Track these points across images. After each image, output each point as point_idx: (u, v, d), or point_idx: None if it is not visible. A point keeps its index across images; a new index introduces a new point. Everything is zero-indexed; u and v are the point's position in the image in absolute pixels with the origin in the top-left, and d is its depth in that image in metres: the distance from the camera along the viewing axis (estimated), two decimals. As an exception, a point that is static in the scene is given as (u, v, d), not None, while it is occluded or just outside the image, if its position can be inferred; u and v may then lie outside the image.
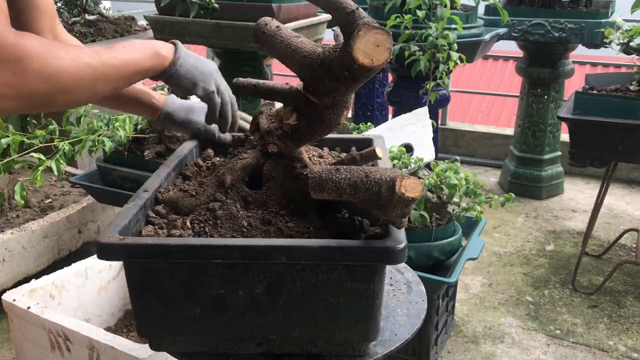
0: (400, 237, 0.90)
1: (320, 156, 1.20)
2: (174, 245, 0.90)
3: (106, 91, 0.99)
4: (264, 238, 0.97)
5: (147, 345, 1.65)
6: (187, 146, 1.27)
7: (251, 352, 0.99)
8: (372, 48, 0.84)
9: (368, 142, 1.29)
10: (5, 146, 2.01)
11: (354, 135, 1.35)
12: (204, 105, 1.22)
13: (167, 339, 1.00)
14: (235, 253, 0.89)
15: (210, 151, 1.25)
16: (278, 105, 1.18)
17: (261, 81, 1.11)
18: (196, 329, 0.96)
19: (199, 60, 1.16)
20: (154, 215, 1.04)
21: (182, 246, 0.90)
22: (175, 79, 1.12)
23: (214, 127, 1.28)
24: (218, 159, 1.23)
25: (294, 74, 1.00)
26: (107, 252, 0.90)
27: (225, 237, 0.97)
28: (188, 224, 1.00)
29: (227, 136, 1.30)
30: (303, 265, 0.90)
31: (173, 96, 1.34)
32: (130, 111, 1.40)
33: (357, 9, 0.86)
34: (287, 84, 1.08)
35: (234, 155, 1.15)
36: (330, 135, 1.12)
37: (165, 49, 1.11)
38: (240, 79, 1.13)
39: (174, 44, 1.14)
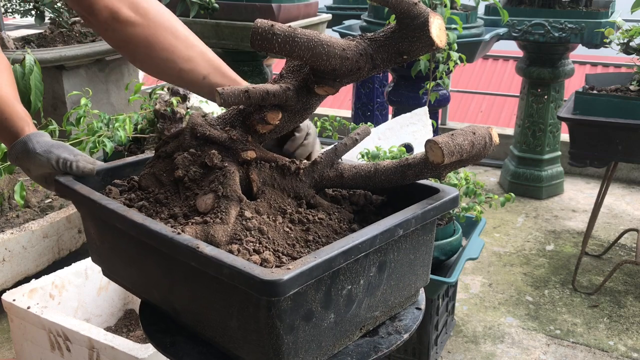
0: (446, 186, 1.06)
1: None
2: (337, 254, 0.85)
3: None
4: (374, 223, 0.96)
5: (147, 345, 1.65)
6: (88, 191, 1.11)
7: (355, 339, 1.00)
8: (439, 31, 0.97)
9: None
10: (6, 150, 2.01)
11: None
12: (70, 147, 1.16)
13: None
14: (376, 240, 0.91)
15: (115, 189, 1.13)
16: (206, 108, 1.14)
17: (250, 86, 1.01)
18: (328, 337, 0.93)
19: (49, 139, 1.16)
20: None
21: (342, 252, 0.86)
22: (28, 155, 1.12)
23: (72, 157, 1.14)
24: (138, 193, 1.11)
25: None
26: (286, 286, 0.80)
27: (284, 246, 0.95)
28: (249, 247, 0.94)
29: (87, 166, 1.15)
30: (400, 234, 0.96)
31: (45, 133, 1.20)
32: None
33: (420, 0, 0.97)
34: (275, 83, 1.05)
35: (190, 178, 1.05)
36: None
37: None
38: (226, 87, 0.99)
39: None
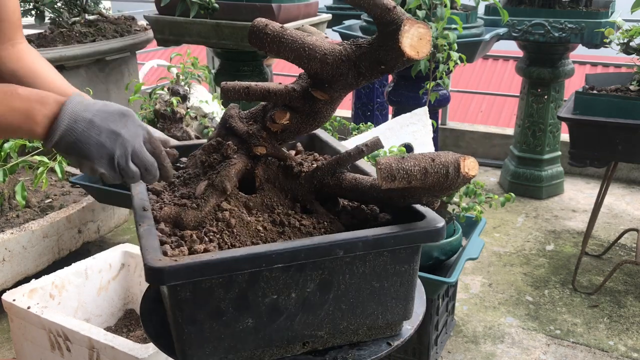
0: (436, 216, 0.97)
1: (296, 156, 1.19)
2: (239, 257, 0.86)
3: None
4: (318, 236, 0.95)
5: (147, 345, 1.65)
6: None
7: (297, 353, 0.99)
8: (417, 41, 0.90)
9: (312, 137, 1.29)
10: (8, 151, 2.01)
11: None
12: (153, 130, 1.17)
13: (216, 357, 0.94)
14: (300, 254, 0.88)
15: None
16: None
17: (253, 83, 1.05)
18: (247, 341, 0.93)
19: (92, 126, 0.91)
20: (160, 234, 0.99)
21: (247, 257, 0.86)
22: (58, 153, 0.94)
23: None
24: (180, 171, 1.16)
25: (293, 74, 1.00)
26: (165, 275, 0.83)
27: (246, 244, 0.96)
28: (205, 237, 0.97)
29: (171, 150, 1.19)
30: (352, 256, 0.92)
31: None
32: None
33: (397, 6, 0.91)
34: (280, 83, 1.06)
35: (209, 163, 1.09)
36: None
37: (43, 112, 0.89)
38: (229, 82, 1.05)
39: (63, 104, 0.91)
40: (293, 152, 1.21)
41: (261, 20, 0.98)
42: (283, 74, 5.54)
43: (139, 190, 1.05)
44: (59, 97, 0.91)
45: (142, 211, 0.99)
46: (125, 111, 0.95)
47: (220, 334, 0.90)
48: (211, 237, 0.96)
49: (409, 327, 1.05)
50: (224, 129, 1.11)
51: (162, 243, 0.95)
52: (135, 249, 2.19)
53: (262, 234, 0.98)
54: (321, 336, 0.98)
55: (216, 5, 2.75)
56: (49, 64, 1.26)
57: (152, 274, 0.83)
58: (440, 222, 0.95)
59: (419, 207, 1.00)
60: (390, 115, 3.81)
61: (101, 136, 0.91)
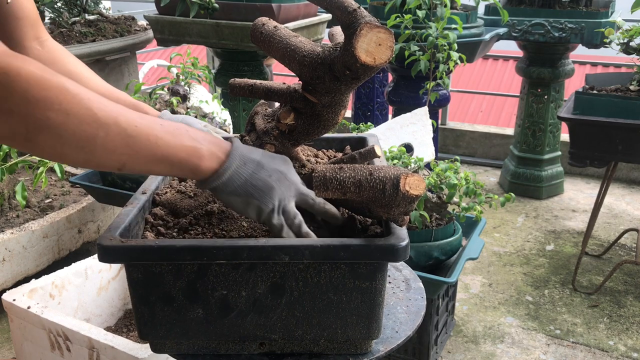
0: (402, 234, 0.91)
1: (315, 156, 1.19)
2: (180, 247, 0.88)
3: (109, 161, 0.80)
4: (266, 238, 0.96)
5: (147, 345, 1.65)
6: None
7: (253, 352, 0.99)
8: (375, 47, 0.85)
9: (362, 140, 1.27)
10: (7, 150, 2.01)
11: (347, 134, 1.32)
12: (198, 120, 1.21)
13: (169, 341, 0.99)
14: (243, 253, 0.88)
15: None
16: (275, 105, 1.17)
17: (258, 81, 1.08)
18: (198, 331, 0.95)
19: (261, 168, 0.92)
20: (152, 217, 1.04)
21: (188, 247, 0.88)
22: (220, 194, 0.91)
23: (204, 130, 1.24)
24: None
25: (294, 74, 1.01)
26: (109, 254, 0.88)
27: (228, 237, 0.97)
28: (188, 226, 1.00)
29: None
30: (306, 264, 0.90)
31: (166, 111, 1.26)
32: None
33: (359, 7, 0.87)
34: (284, 83, 1.07)
35: None
36: (325, 135, 1.11)
37: (212, 149, 0.88)
38: (237, 79, 1.09)
39: (231, 141, 0.92)
40: (311, 153, 1.20)
41: (261, 19, 0.98)
42: (283, 74, 5.54)
43: (153, 177, 1.12)
44: (221, 140, 0.91)
45: (140, 194, 1.04)
46: (287, 159, 0.97)
47: (171, 319, 0.94)
48: (195, 228, 1.00)
49: (380, 348, 1.00)
50: (249, 125, 1.14)
51: (149, 225, 1.02)
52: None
53: (249, 233, 0.99)
54: (276, 340, 0.97)
55: (216, 5, 2.75)
56: (79, 61, 1.25)
57: (99, 250, 0.89)
58: (403, 242, 0.88)
59: (393, 224, 0.95)
60: (390, 115, 3.81)
61: (272, 178, 0.91)
